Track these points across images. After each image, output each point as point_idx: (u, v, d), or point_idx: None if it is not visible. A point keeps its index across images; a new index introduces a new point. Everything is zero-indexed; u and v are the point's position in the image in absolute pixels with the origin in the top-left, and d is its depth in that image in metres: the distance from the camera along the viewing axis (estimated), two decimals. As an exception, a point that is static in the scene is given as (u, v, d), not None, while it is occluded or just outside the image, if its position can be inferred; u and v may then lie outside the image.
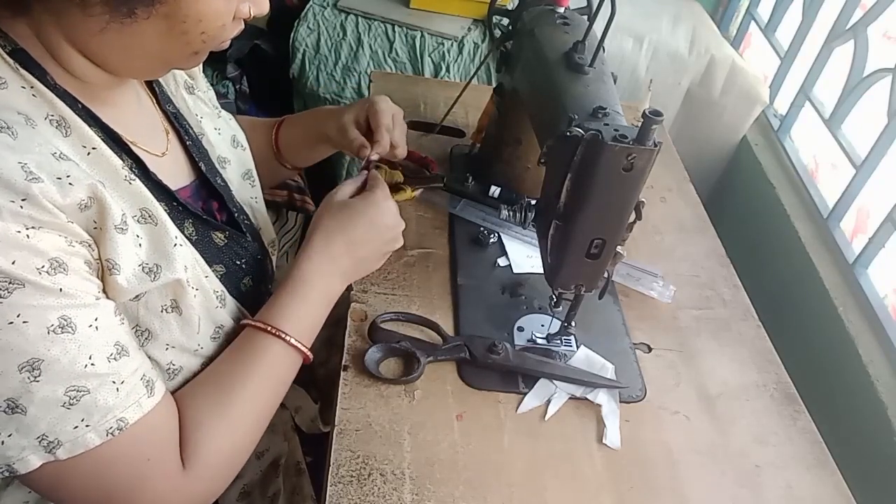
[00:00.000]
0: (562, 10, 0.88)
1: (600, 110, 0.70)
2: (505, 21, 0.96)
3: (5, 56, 0.55)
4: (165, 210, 0.63)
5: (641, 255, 0.99)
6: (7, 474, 0.54)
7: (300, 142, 0.95)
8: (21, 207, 0.50)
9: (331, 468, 0.69)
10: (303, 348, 0.70)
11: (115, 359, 0.56)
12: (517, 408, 0.78)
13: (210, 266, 0.68)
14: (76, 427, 0.54)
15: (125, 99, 0.67)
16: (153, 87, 0.73)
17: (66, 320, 0.53)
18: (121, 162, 0.60)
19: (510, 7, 0.96)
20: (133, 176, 0.61)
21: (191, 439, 0.62)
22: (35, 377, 0.52)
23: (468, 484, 0.70)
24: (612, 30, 0.75)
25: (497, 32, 0.99)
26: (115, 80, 0.63)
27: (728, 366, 0.88)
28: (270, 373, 0.68)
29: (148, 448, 0.59)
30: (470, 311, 0.87)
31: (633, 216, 0.72)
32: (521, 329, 0.86)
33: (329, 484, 0.68)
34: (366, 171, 0.82)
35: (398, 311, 0.84)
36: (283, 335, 0.68)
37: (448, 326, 0.85)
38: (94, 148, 0.58)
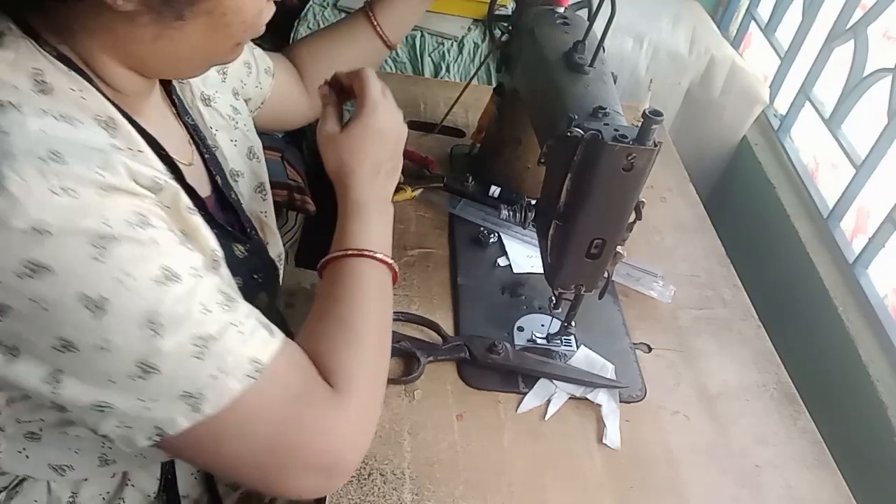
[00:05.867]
0: (562, 9, 0.88)
1: (600, 110, 0.70)
2: (505, 21, 0.96)
3: (53, 60, 0.54)
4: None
5: (641, 255, 0.99)
6: (158, 439, 0.53)
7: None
8: (102, 176, 0.50)
9: (331, 468, 0.69)
10: (389, 260, 0.70)
11: (226, 305, 0.55)
12: (517, 408, 0.78)
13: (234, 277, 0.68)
14: (213, 376, 0.52)
15: (154, 110, 0.67)
16: (172, 99, 0.73)
17: (167, 270, 0.52)
18: (163, 166, 0.60)
19: (510, 8, 0.96)
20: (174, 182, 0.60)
21: (331, 368, 0.61)
22: (156, 332, 0.50)
23: (468, 484, 0.70)
24: (612, 30, 0.75)
25: (497, 32, 0.99)
26: (150, 87, 0.64)
27: (728, 366, 0.88)
28: (371, 291, 0.67)
29: (292, 384, 0.57)
30: (470, 311, 0.87)
31: (633, 216, 0.72)
32: (521, 329, 0.86)
33: (329, 484, 0.68)
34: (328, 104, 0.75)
35: (398, 311, 0.84)
36: (368, 252, 0.68)
37: (448, 326, 0.85)
38: (140, 151, 0.58)
